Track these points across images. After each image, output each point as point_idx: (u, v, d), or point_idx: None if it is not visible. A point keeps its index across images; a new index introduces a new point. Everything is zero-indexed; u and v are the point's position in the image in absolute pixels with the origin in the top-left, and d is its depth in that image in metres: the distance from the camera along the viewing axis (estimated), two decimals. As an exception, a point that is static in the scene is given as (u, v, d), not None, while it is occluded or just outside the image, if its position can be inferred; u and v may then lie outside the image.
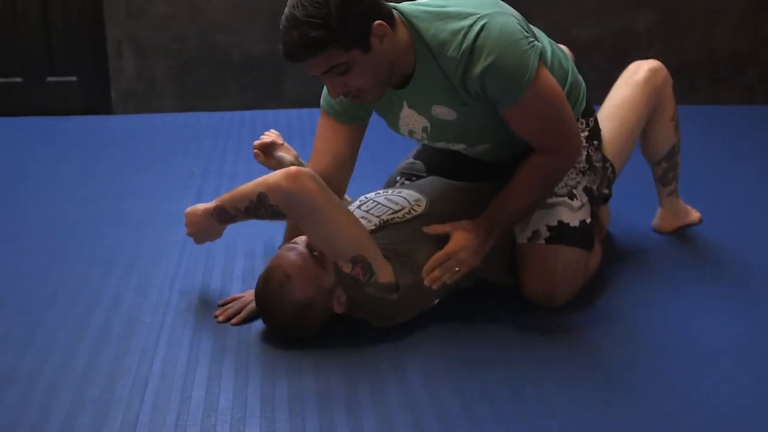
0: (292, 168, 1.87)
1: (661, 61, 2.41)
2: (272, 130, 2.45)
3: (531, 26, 1.99)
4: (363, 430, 1.57)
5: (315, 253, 1.86)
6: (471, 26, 1.82)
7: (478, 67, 1.80)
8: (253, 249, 2.38)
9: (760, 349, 1.90)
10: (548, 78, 1.90)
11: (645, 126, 2.37)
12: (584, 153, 2.09)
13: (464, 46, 1.81)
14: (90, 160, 3.35)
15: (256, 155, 2.41)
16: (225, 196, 1.99)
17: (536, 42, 1.87)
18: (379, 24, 1.78)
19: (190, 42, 4.24)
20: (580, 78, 2.16)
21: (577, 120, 2.10)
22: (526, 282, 2.05)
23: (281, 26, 1.79)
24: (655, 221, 2.60)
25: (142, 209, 2.75)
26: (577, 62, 2.37)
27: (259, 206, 1.88)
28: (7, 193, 2.93)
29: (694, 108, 4.43)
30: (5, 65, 4.17)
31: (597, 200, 2.14)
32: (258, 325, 1.97)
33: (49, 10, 4.14)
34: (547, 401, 1.67)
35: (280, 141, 2.43)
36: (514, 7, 1.97)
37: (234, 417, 1.62)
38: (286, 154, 2.38)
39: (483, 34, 1.80)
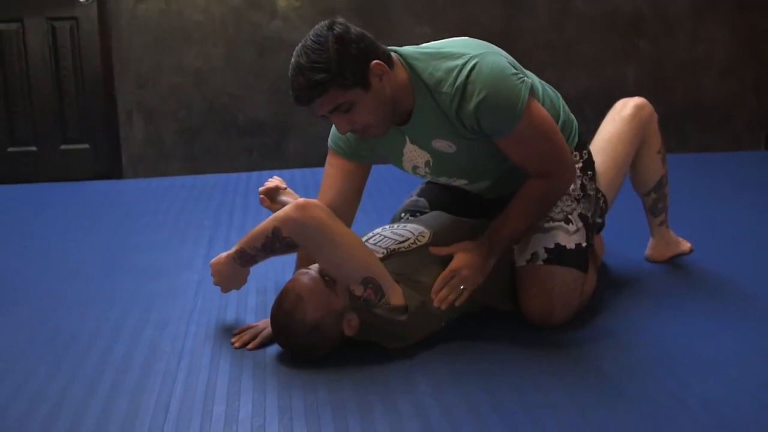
0: (301, 200, 2.00)
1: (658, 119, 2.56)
2: (275, 177, 2.60)
3: (523, 68, 2.15)
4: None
5: (326, 278, 1.97)
6: (464, 65, 1.97)
7: (472, 102, 1.95)
8: (265, 285, 2.49)
9: (749, 356, 1.99)
10: (539, 108, 2.04)
11: (634, 159, 2.51)
12: (579, 182, 2.22)
13: (458, 83, 1.96)
14: (103, 218, 3.50)
15: (261, 200, 2.55)
16: (243, 240, 2.12)
17: (526, 78, 2.02)
18: (376, 63, 1.94)
19: (197, 108, 4.43)
20: (572, 116, 2.31)
21: (572, 153, 2.23)
22: (525, 302, 2.16)
23: (289, 74, 1.95)
24: (648, 251, 2.72)
25: (156, 257, 2.88)
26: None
27: (275, 240, 2.00)
28: (30, 248, 3.06)
29: (684, 156, 4.61)
30: (20, 134, 4.36)
31: (591, 227, 2.26)
32: (273, 348, 2.07)
33: (61, 81, 4.33)
34: (552, 405, 1.76)
35: (283, 186, 2.58)
36: None
37: (254, 425, 1.71)
38: (289, 198, 2.52)
39: (475, 71, 1.96)
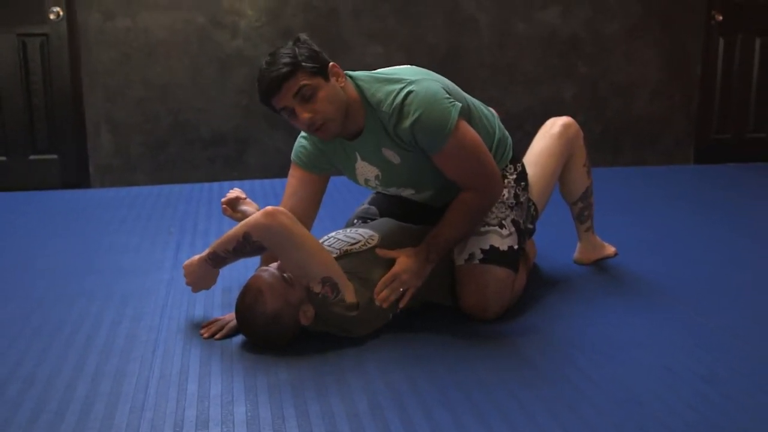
0: (269, 207, 2.27)
1: (586, 128, 2.87)
2: (236, 188, 2.87)
3: (462, 91, 2.45)
4: (330, 407, 1.93)
5: (285, 275, 2.24)
6: (402, 89, 2.28)
7: (407, 122, 2.25)
8: (230, 284, 2.75)
9: (655, 341, 2.31)
10: (467, 129, 2.33)
11: (562, 172, 2.82)
12: (513, 192, 2.53)
13: (395, 104, 2.26)
14: (74, 225, 3.72)
15: (223, 210, 2.82)
16: (214, 244, 2.36)
17: (457, 102, 2.31)
18: (333, 65, 2.28)
19: (162, 121, 4.66)
20: (507, 133, 2.61)
21: (507, 166, 2.55)
22: (463, 297, 2.45)
23: (258, 76, 2.26)
24: (576, 254, 3.03)
25: (128, 259, 3.12)
26: (511, 129, 2.82)
27: (245, 244, 2.27)
28: (4, 251, 3.28)
29: (618, 169, 4.96)
30: (-9, 145, 4.53)
31: (523, 232, 2.56)
32: (239, 338, 2.33)
33: (32, 94, 4.54)
34: (483, 384, 2.05)
35: (243, 196, 2.85)
36: (456, 85, 2.43)
37: (224, 401, 1.97)
38: (249, 207, 2.80)
39: (411, 95, 2.26)
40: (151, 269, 2.98)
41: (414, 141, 2.28)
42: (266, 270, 2.27)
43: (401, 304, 2.35)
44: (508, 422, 1.86)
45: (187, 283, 2.47)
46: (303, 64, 2.20)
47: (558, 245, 3.13)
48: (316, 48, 2.26)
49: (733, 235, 3.41)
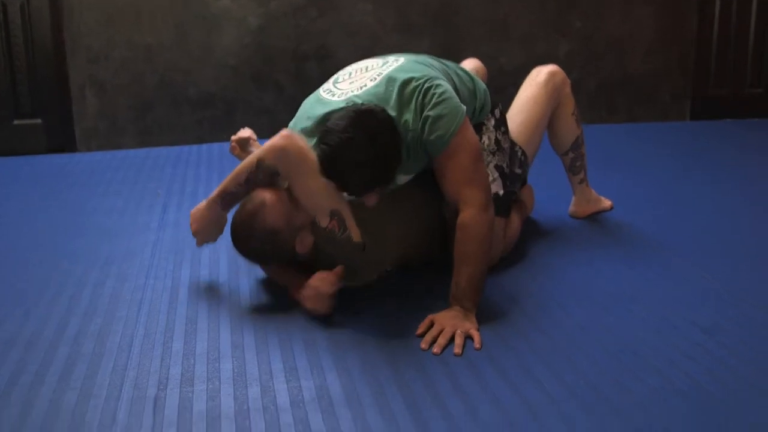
0: (285, 130, 2.21)
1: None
2: (247, 128, 2.78)
3: (443, 61, 2.37)
4: (320, 362, 1.88)
5: (292, 195, 2.15)
6: (424, 83, 2.18)
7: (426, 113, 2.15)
8: (218, 245, 2.68)
9: (651, 295, 2.26)
10: (472, 133, 2.21)
11: (550, 121, 2.76)
12: (493, 137, 2.47)
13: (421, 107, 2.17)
14: (59, 189, 3.63)
15: (232, 148, 2.74)
16: (225, 181, 2.27)
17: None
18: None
19: (148, 83, 4.57)
20: (483, 85, 2.53)
21: (487, 114, 2.49)
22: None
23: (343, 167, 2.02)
24: (571, 208, 2.97)
25: (113, 221, 3.04)
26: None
27: (258, 172, 2.18)
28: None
29: (613, 126, 4.88)
30: (-27, 111, 4.44)
31: (507, 176, 2.49)
32: (225, 296, 2.27)
33: (13, 57, 4.43)
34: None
35: (254, 137, 2.76)
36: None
37: (210, 358, 1.91)
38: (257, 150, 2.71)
39: (434, 89, 2.17)
40: (136, 231, 2.91)
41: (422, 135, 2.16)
42: (273, 186, 2.19)
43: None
44: (503, 375, 1.81)
45: (194, 231, 2.36)
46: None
47: (553, 199, 3.06)
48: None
49: (729, 190, 3.34)
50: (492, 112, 2.52)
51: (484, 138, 2.46)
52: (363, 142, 1.97)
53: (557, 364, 1.85)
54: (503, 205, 2.42)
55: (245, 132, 2.75)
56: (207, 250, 2.64)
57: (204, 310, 2.19)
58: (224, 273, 2.46)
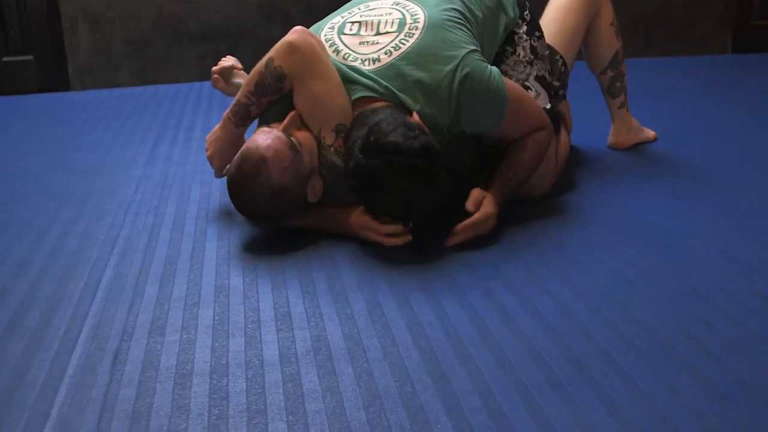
0: (297, 27, 1.90)
1: (615, 14, 2.45)
2: (230, 57, 2.45)
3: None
4: (319, 309, 1.57)
5: (292, 139, 1.83)
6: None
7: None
8: (210, 180, 2.36)
9: (710, 227, 1.92)
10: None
11: (587, 34, 2.40)
12: (528, 45, 2.12)
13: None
14: (45, 127, 3.31)
15: (215, 80, 2.40)
16: (237, 94, 1.98)
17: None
18: None
19: (144, 14, 4.22)
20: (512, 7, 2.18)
21: (516, 21, 2.16)
22: None
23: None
24: (610, 138, 2.61)
25: (98, 157, 2.72)
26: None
27: (266, 74, 1.88)
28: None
29: (648, 60, 4.49)
30: (-42, 47, 4.13)
31: (551, 87, 2.16)
32: (213, 233, 1.96)
33: (1, -10, 4.10)
34: (524, 278, 1.68)
35: (239, 66, 2.43)
36: None
37: (188, 303, 1.60)
38: (242, 79, 2.38)
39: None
40: (122, 166, 2.58)
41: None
42: (269, 132, 1.85)
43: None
44: (542, 324, 1.49)
45: (209, 156, 2.06)
46: None
47: (589, 130, 2.71)
48: None
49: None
50: (522, 16, 2.16)
51: (519, 49, 2.12)
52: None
53: (613, 315, 1.52)
54: (552, 122, 2.09)
55: (227, 61, 2.41)
56: (198, 185, 2.33)
57: (187, 251, 1.87)
58: (215, 210, 2.14)
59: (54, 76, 4.23)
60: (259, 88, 1.90)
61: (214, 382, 1.32)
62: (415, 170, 1.69)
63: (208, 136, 2.09)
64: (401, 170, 1.68)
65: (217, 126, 2.06)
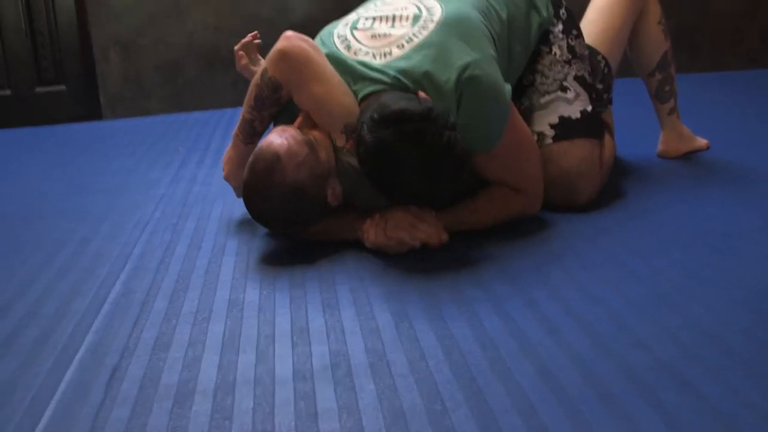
0: (287, 32, 1.81)
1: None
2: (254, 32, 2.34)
3: (489, 14, 1.89)
4: (341, 323, 1.42)
5: (308, 137, 1.71)
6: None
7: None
8: (232, 199, 2.23)
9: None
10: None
11: (632, 35, 2.26)
12: (564, 45, 1.98)
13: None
14: (72, 154, 3.23)
15: (239, 57, 2.29)
16: (242, 110, 1.92)
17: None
18: None
19: (176, 42, 4.17)
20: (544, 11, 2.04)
21: (551, 19, 2.03)
22: (546, 188, 1.90)
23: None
24: (660, 147, 2.44)
25: (121, 179, 2.62)
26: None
27: (263, 86, 1.80)
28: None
29: (694, 76, 4.30)
30: (-9, 78, 4.11)
31: (593, 89, 2.02)
32: (233, 251, 1.83)
33: (33, 19, 4.08)
34: (569, 281, 1.52)
35: (258, 40, 2.31)
36: None
37: (198, 318, 1.47)
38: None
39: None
40: (144, 186, 2.48)
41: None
42: (282, 130, 1.73)
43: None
44: (592, 338, 1.33)
45: (225, 176, 1.98)
46: None
47: (636, 139, 2.54)
48: None
49: None
50: (557, 15, 2.02)
51: (554, 48, 1.99)
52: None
53: (664, 321, 1.35)
54: (594, 124, 1.95)
55: (249, 36, 2.29)
56: (219, 203, 2.21)
57: (202, 266, 1.74)
58: (235, 226, 2.02)
59: (86, 106, 4.20)
60: (258, 101, 1.82)
61: (218, 400, 1.17)
62: (425, 135, 1.55)
63: (223, 157, 2.00)
64: (411, 136, 1.55)
65: (229, 145, 1.98)
